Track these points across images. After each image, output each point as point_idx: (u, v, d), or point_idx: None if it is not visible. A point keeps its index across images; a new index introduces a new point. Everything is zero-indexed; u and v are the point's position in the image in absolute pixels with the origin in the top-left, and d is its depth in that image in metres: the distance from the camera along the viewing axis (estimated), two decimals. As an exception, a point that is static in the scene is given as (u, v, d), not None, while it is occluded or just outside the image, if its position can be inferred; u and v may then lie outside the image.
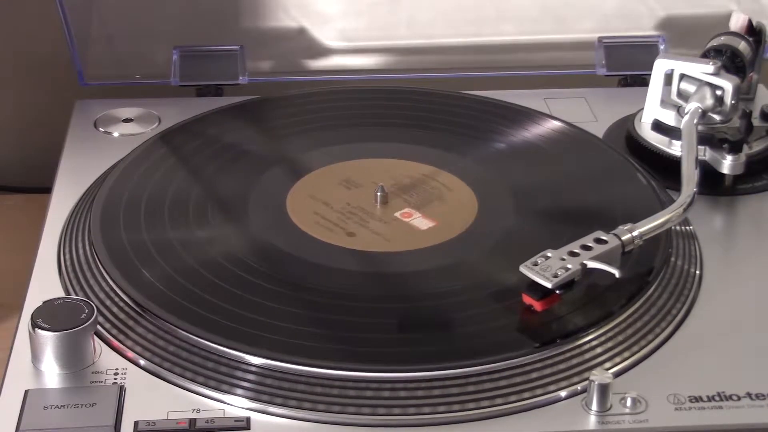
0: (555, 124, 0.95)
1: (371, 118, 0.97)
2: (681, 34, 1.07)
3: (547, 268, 0.72)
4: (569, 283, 0.72)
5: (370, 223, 0.82)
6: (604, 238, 0.75)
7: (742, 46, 0.94)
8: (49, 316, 0.69)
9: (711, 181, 0.87)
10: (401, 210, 0.84)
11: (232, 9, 1.04)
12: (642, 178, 0.87)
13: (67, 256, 0.79)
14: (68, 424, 0.65)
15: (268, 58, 1.06)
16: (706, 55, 0.94)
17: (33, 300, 0.74)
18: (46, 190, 0.89)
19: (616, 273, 0.72)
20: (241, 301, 0.73)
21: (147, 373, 0.70)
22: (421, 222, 0.83)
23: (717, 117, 0.89)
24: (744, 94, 0.93)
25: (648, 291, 0.75)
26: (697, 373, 0.70)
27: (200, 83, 1.03)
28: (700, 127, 0.87)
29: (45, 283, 0.77)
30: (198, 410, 0.67)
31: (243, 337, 0.70)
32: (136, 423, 0.66)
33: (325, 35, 1.06)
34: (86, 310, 0.70)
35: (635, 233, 0.75)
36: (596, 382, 0.67)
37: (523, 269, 0.73)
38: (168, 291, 0.74)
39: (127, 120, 0.98)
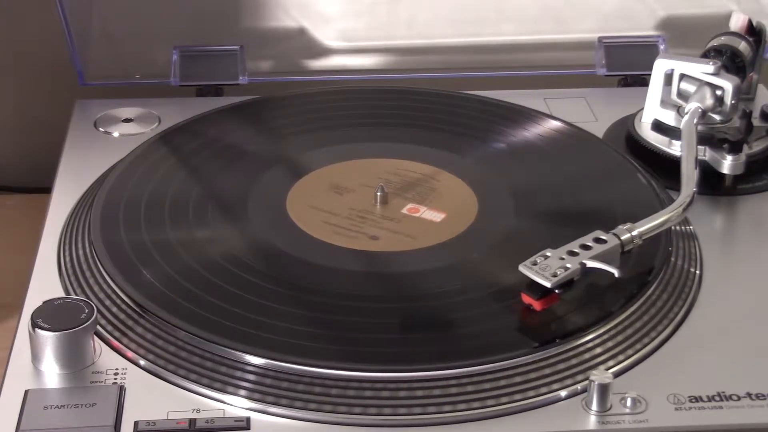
0: (555, 124, 0.95)
1: (371, 118, 0.97)
2: (681, 34, 1.07)
3: (546, 268, 0.72)
4: (568, 283, 0.72)
5: (367, 221, 0.82)
6: (603, 237, 0.75)
7: (742, 46, 0.94)
8: (49, 316, 0.69)
9: (711, 181, 0.87)
10: (404, 207, 0.84)
11: (232, 9, 1.04)
12: (642, 178, 0.87)
13: (67, 256, 0.79)
14: (68, 424, 0.65)
15: (268, 58, 1.06)
16: (706, 55, 0.94)
17: (33, 300, 0.74)
18: (46, 190, 0.89)
19: (616, 272, 0.72)
20: (241, 301, 0.73)
21: (147, 373, 0.70)
22: (430, 214, 0.83)
23: (717, 117, 0.89)
24: (744, 94, 0.93)
25: (648, 291, 0.75)
26: (697, 373, 0.70)
27: (200, 83, 1.03)
28: (700, 127, 0.87)
29: (45, 283, 0.77)
30: (198, 410, 0.67)
31: (243, 337, 0.70)
32: (136, 423, 0.66)
33: (325, 35, 1.06)
34: (86, 310, 0.70)
35: (634, 233, 0.75)
36: (596, 382, 0.67)
37: (522, 269, 0.73)
38: (168, 291, 0.74)
39: (127, 120, 0.98)
